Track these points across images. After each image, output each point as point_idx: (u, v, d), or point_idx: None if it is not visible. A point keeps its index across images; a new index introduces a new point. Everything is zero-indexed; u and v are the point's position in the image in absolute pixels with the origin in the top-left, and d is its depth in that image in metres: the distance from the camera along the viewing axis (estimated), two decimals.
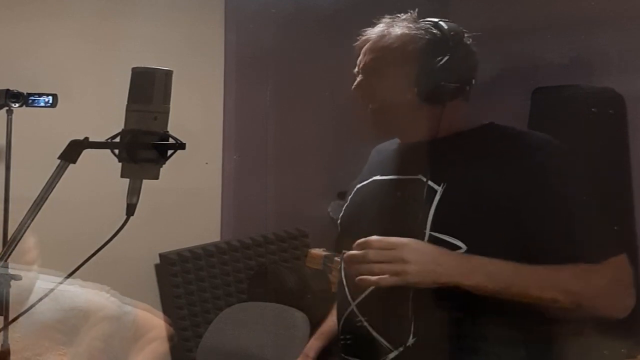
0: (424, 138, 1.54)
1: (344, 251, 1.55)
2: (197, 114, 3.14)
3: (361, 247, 1.36)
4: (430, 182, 1.46)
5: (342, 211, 1.65)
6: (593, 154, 2.76)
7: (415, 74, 1.48)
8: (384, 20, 1.55)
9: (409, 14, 1.54)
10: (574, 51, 3.03)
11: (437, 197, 1.43)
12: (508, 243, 1.39)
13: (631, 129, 2.92)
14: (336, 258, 3.25)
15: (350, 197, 1.65)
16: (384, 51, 1.51)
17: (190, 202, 3.18)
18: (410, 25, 1.51)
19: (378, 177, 1.61)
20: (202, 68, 3.26)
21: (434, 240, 1.40)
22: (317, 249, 3.47)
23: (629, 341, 2.17)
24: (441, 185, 1.44)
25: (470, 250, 1.38)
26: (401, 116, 1.54)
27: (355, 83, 1.55)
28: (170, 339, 2.07)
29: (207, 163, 3.33)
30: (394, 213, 1.53)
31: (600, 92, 2.93)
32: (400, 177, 1.56)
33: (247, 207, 3.50)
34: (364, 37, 1.55)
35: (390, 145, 1.66)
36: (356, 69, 1.56)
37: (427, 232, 1.41)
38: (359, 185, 1.64)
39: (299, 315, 2.54)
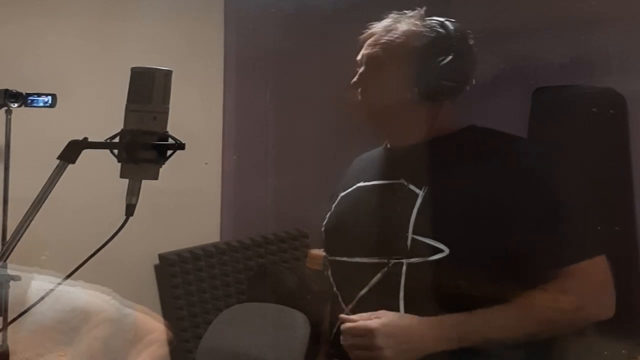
0: (411, 138, 1.54)
1: (330, 257, 1.59)
2: (196, 114, 3.13)
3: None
4: (411, 186, 1.47)
5: (326, 219, 1.65)
6: (593, 155, 2.76)
7: (416, 70, 1.48)
8: (391, 15, 1.54)
9: (417, 10, 1.54)
10: (574, 51, 3.02)
11: (419, 201, 1.44)
12: (489, 245, 1.40)
13: (632, 129, 2.92)
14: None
15: (334, 205, 1.64)
16: (388, 45, 1.50)
17: (189, 203, 3.18)
18: (417, 22, 1.51)
19: (362, 184, 1.61)
20: (202, 68, 3.26)
21: (416, 244, 1.42)
22: (317, 250, 3.46)
23: (630, 342, 2.17)
24: (422, 189, 1.45)
25: (452, 253, 1.39)
26: (396, 111, 1.53)
27: (356, 76, 1.54)
28: (170, 342, 2.07)
29: (206, 163, 3.33)
30: (377, 218, 1.53)
31: (600, 92, 2.92)
32: (383, 182, 1.56)
33: (247, 207, 3.50)
34: (369, 31, 1.54)
35: (372, 153, 1.67)
36: (358, 61, 1.55)
37: (410, 235, 1.42)
38: (342, 194, 1.64)
39: (298, 316, 2.54)
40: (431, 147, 1.51)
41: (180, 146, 1.16)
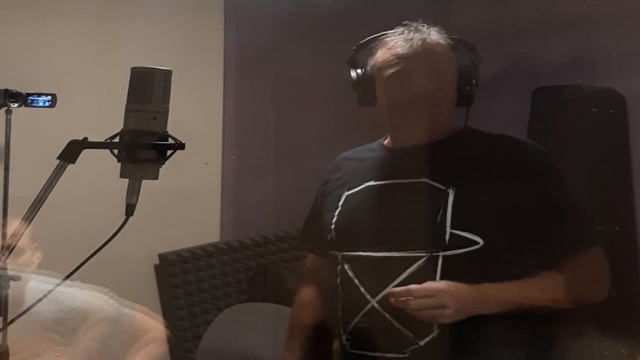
0: (427, 139, 1.62)
1: (345, 253, 1.62)
2: (196, 114, 3.13)
3: (404, 293, 1.49)
4: (436, 184, 1.56)
5: (335, 217, 1.68)
6: (593, 154, 2.76)
7: (458, 77, 1.61)
8: (407, 26, 1.63)
9: (422, 22, 1.63)
10: (574, 51, 3.02)
11: (451, 198, 1.54)
12: (515, 235, 1.53)
13: (632, 129, 2.92)
14: None
15: (340, 203, 1.68)
16: (435, 55, 1.60)
17: (189, 203, 3.18)
18: (439, 33, 1.62)
19: (372, 183, 1.66)
20: (201, 68, 3.25)
21: (454, 237, 1.52)
22: None
23: (630, 342, 2.17)
24: (451, 187, 1.55)
25: (486, 245, 1.51)
26: (438, 114, 1.63)
27: (405, 85, 1.58)
28: (168, 341, 2.07)
29: (206, 163, 3.33)
30: (405, 214, 1.60)
31: (600, 92, 2.92)
32: (402, 181, 1.62)
33: (247, 207, 3.50)
34: (392, 39, 1.61)
35: (361, 152, 1.75)
36: (392, 70, 1.59)
37: (448, 230, 1.52)
38: (348, 193, 1.68)
39: None
40: (445, 147, 1.62)
41: (180, 146, 1.16)
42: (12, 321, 1.52)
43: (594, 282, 1.59)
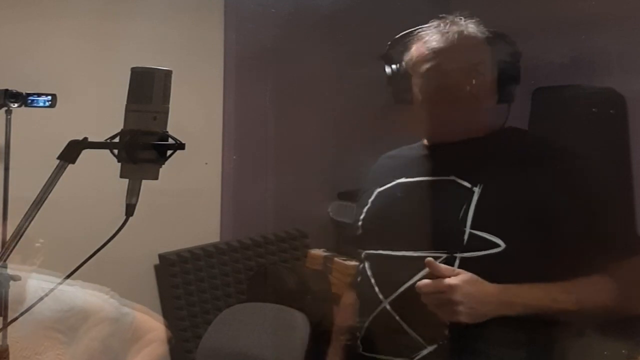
0: (463, 136, 1.56)
1: (367, 251, 1.59)
2: (196, 114, 3.13)
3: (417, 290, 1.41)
4: (464, 182, 1.50)
5: (364, 213, 1.65)
6: (593, 154, 2.76)
7: (497, 72, 1.55)
8: (443, 19, 1.57)
9: (457, 15, 1.58)
10: (574, 51, 3.02)
11: (475, 197, 1.47)
12: (540, 240, 1.44)
13: (632, 129, 2.92)
14: (343, 260, 3.24)
15: (371, 200, 1.65)
16: (472, 49, 1.54)
17: (189, 203, 3.18)
18: (477, 26, 1.57)
19: (403, 180, 1.62)
20: (201, 68, 3.26)
21: (473, 238, 1.44)
22: (317, 250, 3.47)
23: (630, 342, 2.17)
24: (478, 186, 1.48)
25: (507, 247, 1.42)
26: (472, 113, 1.57)
27: (441, 81, 1.53)
28: (169, 341, 2.07)
29: (206, 163, 3.33)
30: (428, 213, 1.54)
31: (600, 92, 2.92)
32: (430, 178, 1.58)
33: (247, 207, 3.50)
34: (433, 36, 1.55)
35: (404, 151, 1.70)
36: (428, 65, 1.54)
37: (467, 230, 1.45)
38: (379, 189, 1.65)
39: (298, 315, 2.53)
40: (478, 145, 1.55)
41: (180, 146, 1.16)
42: (12, 321, 1.52)
43: (630, 296, 1.47)
